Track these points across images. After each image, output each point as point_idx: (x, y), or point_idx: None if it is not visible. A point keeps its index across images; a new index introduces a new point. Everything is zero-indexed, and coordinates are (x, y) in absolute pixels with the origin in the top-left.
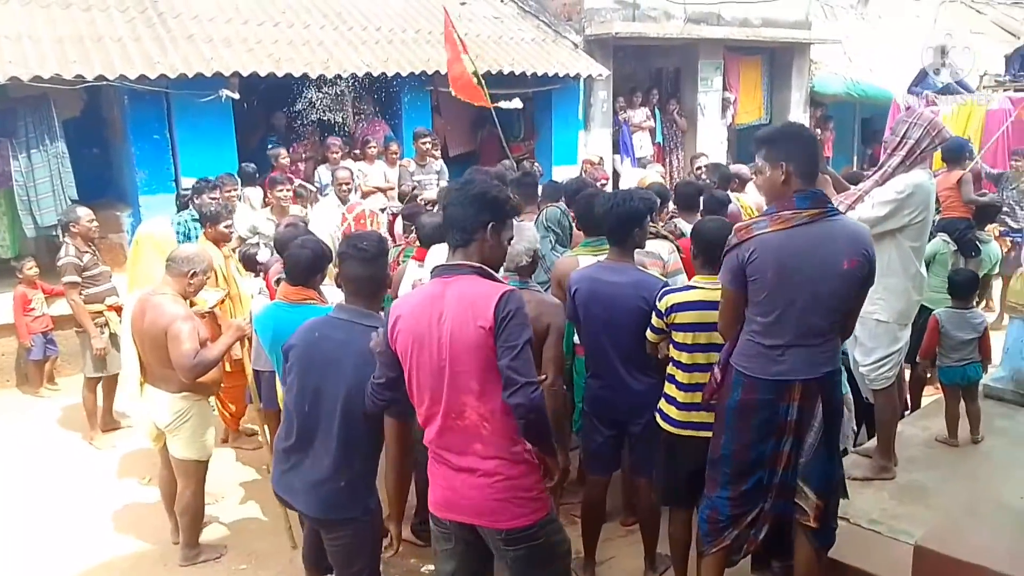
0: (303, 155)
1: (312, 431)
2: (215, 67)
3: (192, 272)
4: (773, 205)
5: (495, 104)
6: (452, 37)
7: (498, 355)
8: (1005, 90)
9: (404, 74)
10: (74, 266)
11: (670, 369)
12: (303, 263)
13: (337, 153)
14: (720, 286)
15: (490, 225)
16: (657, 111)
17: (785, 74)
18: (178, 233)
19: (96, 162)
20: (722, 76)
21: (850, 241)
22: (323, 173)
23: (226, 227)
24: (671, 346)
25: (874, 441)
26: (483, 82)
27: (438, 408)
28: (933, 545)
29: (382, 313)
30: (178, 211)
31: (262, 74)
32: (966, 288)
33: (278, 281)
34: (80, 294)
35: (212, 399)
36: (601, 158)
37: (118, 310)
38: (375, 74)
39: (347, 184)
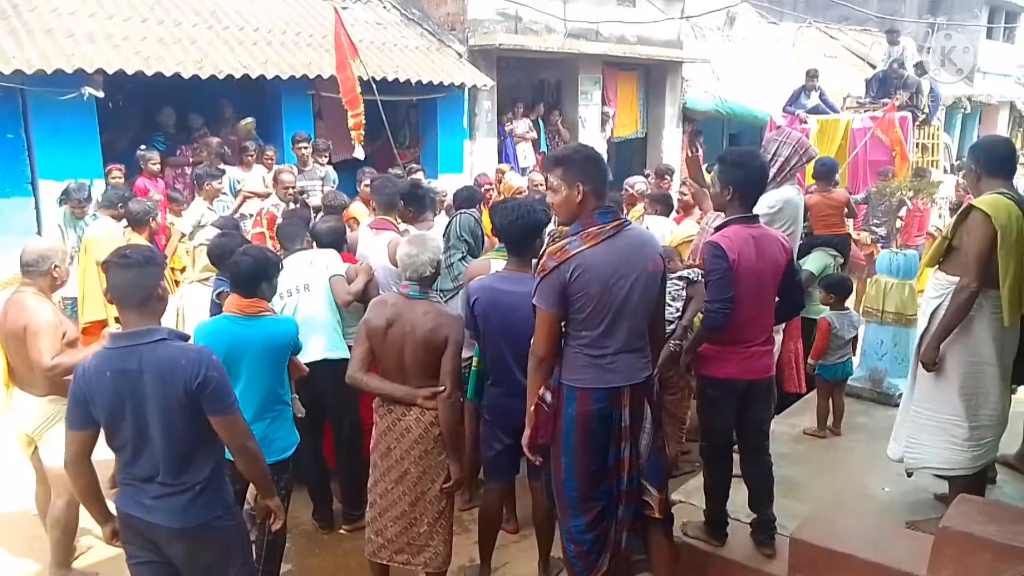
0: (190, 158)
1: (151, 458)
2: (77, 63)
3: (54, 266)
4: (577, 223)
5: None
6: (341, 41)
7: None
8: (866, 111)
9: (284, 77)
10: None
11: None
12: (244, 271)
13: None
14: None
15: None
16: (541, 122)
17: (659, 91)
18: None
19: None
20: (601, 90)
21: (649, 245)
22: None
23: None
24: None
25: None
26: (375, 89)
27: (755, 312)
28: (806, 536)
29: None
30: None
31: (129, 72)
32: (847, 289)
33: (220, 293)
34: None
35: None
36: (511, 167)
37: None
38: (253, 76)
39: (291, 187)
